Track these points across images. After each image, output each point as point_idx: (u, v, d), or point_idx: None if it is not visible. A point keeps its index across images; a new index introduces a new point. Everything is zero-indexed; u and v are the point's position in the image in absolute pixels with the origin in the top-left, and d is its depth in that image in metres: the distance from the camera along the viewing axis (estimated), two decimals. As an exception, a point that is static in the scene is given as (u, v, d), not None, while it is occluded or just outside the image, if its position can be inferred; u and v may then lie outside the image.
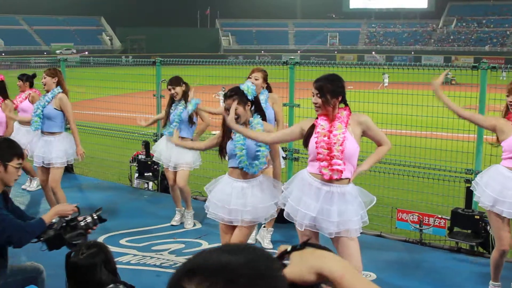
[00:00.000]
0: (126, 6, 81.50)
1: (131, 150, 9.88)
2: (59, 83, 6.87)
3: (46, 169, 6.84)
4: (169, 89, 6.82)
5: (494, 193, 4.63)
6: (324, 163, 4.11)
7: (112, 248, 6.15)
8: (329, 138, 4.08)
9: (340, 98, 4.15)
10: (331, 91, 4.09)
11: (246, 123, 4.71)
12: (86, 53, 63.87)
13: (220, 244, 1.04)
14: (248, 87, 4.69)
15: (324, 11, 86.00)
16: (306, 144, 4.26)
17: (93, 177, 10.05)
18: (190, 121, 6.75)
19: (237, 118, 4.59)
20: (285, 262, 1.06)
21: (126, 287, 2.99)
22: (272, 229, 6.45)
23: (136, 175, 8.97)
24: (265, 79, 6.25)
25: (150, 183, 9.40)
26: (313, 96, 4.13)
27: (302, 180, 4.30)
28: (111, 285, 2.88)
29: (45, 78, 6.84)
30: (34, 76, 8.78)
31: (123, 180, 9.66)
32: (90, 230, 3.55)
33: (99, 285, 2.85)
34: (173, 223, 7.17)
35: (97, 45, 77.92)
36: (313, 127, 4.21)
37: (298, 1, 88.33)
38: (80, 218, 3.51)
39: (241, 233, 4.77)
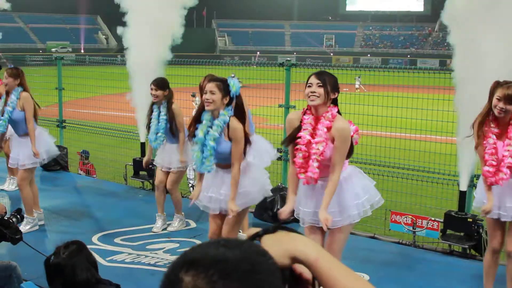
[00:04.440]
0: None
1: (126, 149, 9.88)
2: (21, 84, 6.53)
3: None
4: (151, 89, 6.55)
5: (481, 194, 4.72)
6: (301, 169, 4.20)
7: (107, 247, 6.21)
8: (308, 146, 4.15)
9: (336, 94, 4.21)
10: (332, 84, 4.16)
11: (215, 115, 4.74)
12: (82, 52, 63.68)
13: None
14: (234, 83, 4.71)
15: (321, 13, 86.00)
16: (289, 142, 4.31)
17: (88, 175, 10.04)
18: (171, 130, 6.60)
19: (211, 103, 4.64)
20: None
21: (111, 286, 3.03)
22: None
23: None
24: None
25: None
26: (311, 86, 4.13)
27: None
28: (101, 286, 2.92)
29: (7, 78, 6.45)
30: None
31: (118, 179, 9.66)
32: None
33: (85, 282, 2.86)
34: (154, 229, 6.87)
35: (93, 44, 77.74)
36: (299, 128, 4.24)
37: (295, 3, 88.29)
38: (6, 218, 3.80)
39: (226, 225, 4.87)
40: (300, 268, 1.07)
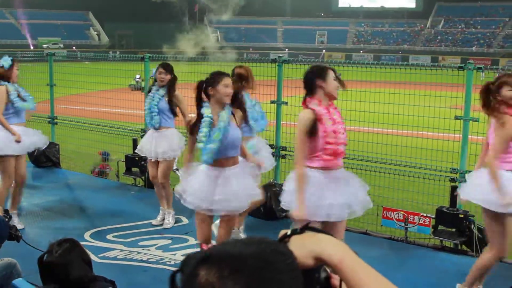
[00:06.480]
0: (114, 1, 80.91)
1: (118, 146, 9.85)
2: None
3: None
4: (160, 72, 6.69)
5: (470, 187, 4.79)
6: (333, 149, 4.31)
7: (99, 243, 6.20)
8: (334, 126, 4.33)
9: None
10: None
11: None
12: (74, 48, 63.38)
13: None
14: None
15: (313, 10, 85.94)
16: (312, 133, 4.30)
17: (80, 172, 10.01)
18: (172, 112, 6.72)
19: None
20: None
21: (106, 282, 3.03)
22: (238, 230, 6.23)
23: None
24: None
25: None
26: (335, 80, 4.43)
27: (310, 182, 4.31)
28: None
29: None
30: None
31: (110, 175, 9.64)
32: None
33: (79, 280, 2.85)
34: (153, 222, 6.98)
35: (84, 40, 77.38)
36: (315, 121, 4.27)
37: (287, 0, 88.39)
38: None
39: (221, 229, 4.91)
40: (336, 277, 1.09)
